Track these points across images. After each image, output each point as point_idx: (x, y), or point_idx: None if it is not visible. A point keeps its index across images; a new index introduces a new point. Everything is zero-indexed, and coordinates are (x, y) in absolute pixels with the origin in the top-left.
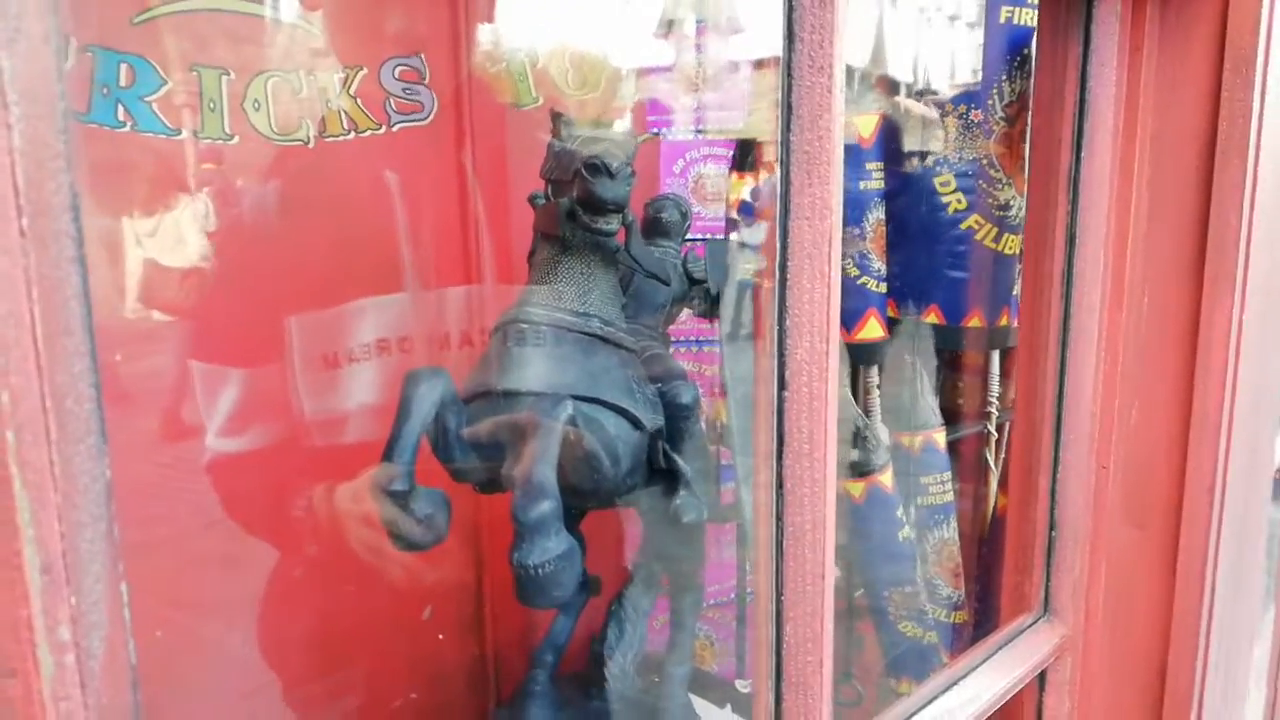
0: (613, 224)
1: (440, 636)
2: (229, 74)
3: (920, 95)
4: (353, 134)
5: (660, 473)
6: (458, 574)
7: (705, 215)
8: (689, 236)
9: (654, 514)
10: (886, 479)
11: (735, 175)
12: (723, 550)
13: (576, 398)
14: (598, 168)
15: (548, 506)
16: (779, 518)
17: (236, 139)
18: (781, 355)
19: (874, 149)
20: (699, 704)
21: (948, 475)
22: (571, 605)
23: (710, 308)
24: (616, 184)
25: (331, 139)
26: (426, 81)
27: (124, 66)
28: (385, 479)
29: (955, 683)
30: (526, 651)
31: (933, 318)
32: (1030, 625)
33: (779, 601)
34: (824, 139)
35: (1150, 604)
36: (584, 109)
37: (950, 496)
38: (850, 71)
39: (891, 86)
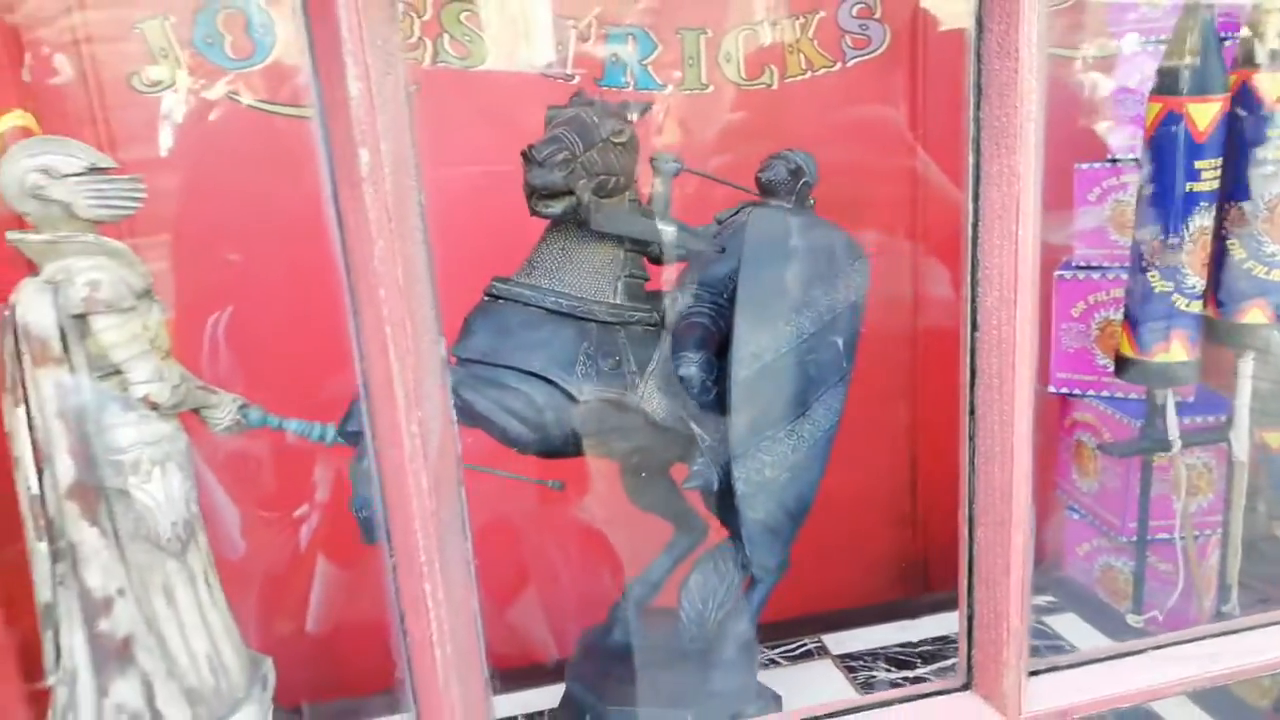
0: (553, 207)
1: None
2: (706, 32)
3: None
4: (809, 74)
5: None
6: (892, 474)
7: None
8: None
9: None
10: None
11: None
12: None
13: (505, 366)
14: (527, 156)
15: (367, 463)
16: (971, 438)
17: (710, 88)
18: (974, 301)
19: (1210, 144)
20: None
21: None
22: (674, 545)
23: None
24: (545, 171)
25: (791, 80)
26: (878, 16)
27: (629, 37)
28: (346, 421)
29: None
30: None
31: None
32: None
33: (971, 509)
34: (1010, 114)
35: None
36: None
37: None
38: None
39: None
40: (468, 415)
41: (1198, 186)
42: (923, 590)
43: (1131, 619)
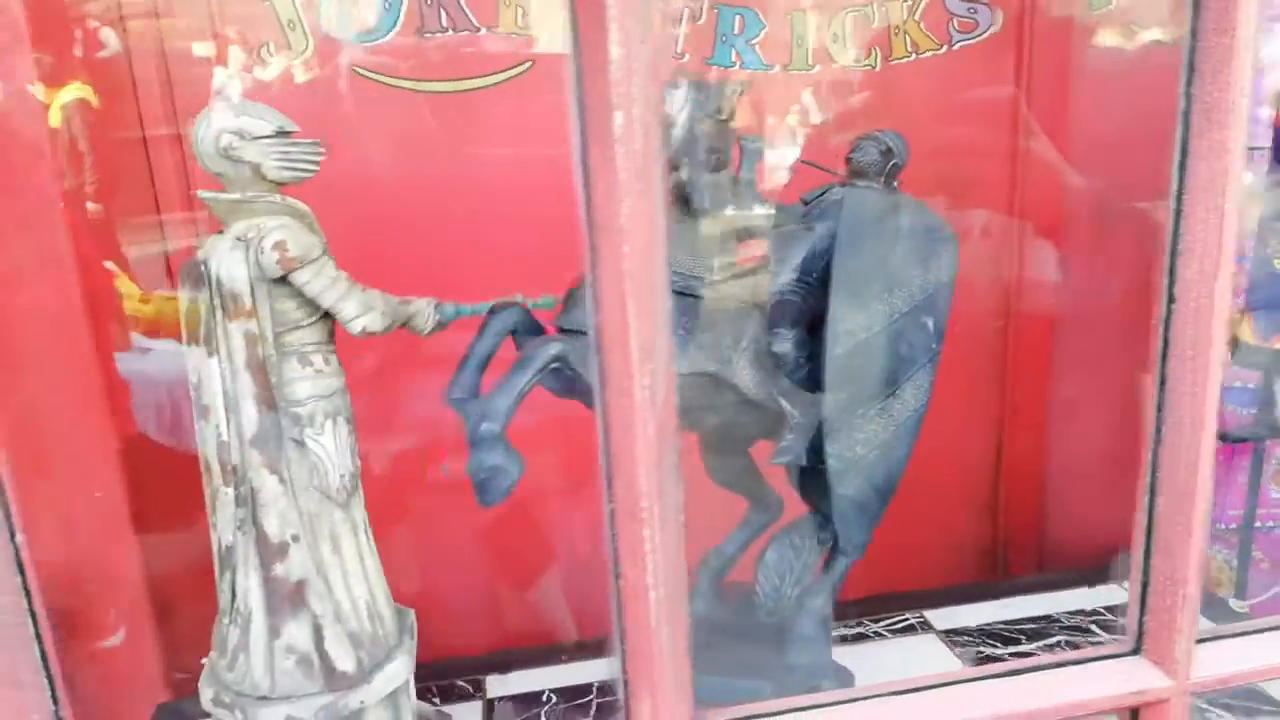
0: None
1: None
2: (816, 14)
3: None
4: (914, 56)
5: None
6: (977, 459)
7: None
8: None
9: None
10: None
11: None
12: (1234, 475)
13: None
14: None
15: (487, 427)
16: (1160, 409)
17: (816, 68)
18: (1172, 273)
19: None
20: None
21: None
22: (749, 522)
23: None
24: None
25: (896, 61)
26: None
27: (737, 18)
28: (451, 388)
29: None
30: (1036, 534)
31: None
32: None
33: (1154, 477)
34: (1223, 90)
35: None
36: None
37: None
38: None
39: None
40: (568, 386)
41: None
42: (1002, 575)
43: (1235, 604)
